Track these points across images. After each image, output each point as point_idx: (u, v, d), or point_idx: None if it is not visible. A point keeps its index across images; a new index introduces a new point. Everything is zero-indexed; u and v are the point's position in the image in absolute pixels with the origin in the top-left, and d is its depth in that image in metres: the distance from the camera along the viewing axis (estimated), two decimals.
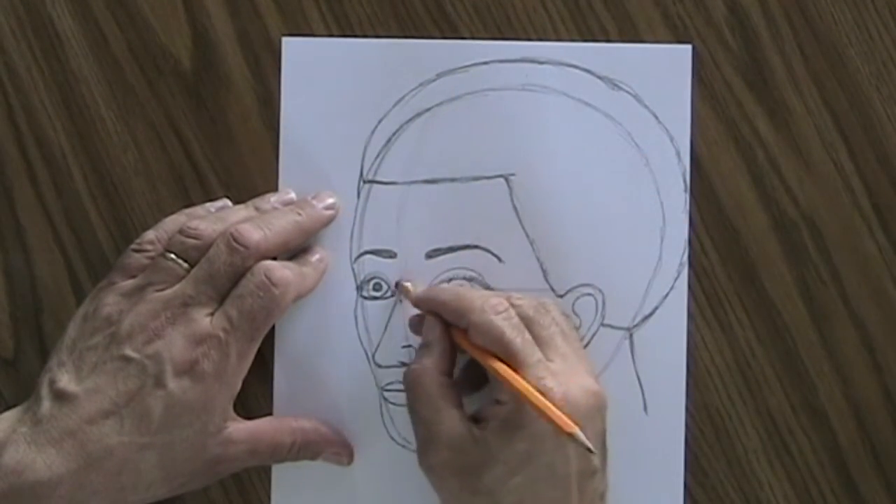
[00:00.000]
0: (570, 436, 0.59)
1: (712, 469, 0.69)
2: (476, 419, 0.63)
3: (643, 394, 0.69)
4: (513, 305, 0.64)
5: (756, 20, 0.70)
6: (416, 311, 0.67)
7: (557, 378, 0.61)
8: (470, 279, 0.68)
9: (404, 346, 0.69)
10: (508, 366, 0.62)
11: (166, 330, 0.63)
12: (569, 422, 0.59)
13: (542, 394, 0.60)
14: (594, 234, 0.69)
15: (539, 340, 0.63)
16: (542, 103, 0.69)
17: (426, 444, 0.63)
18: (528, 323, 0.64)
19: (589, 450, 0.59)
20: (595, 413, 0.63)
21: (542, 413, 0.60)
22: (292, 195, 0.69)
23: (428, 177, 0.69)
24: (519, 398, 0.61)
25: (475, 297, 0.64)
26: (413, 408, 0.64)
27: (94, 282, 0.67)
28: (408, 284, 0.68)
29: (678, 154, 0.69)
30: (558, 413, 0.59)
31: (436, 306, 0.66)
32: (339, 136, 0.69)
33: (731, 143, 0.70)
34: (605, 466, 0.64)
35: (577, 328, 0.68)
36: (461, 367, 0.67)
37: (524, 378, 0.61)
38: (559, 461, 0.61)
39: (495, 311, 0.63)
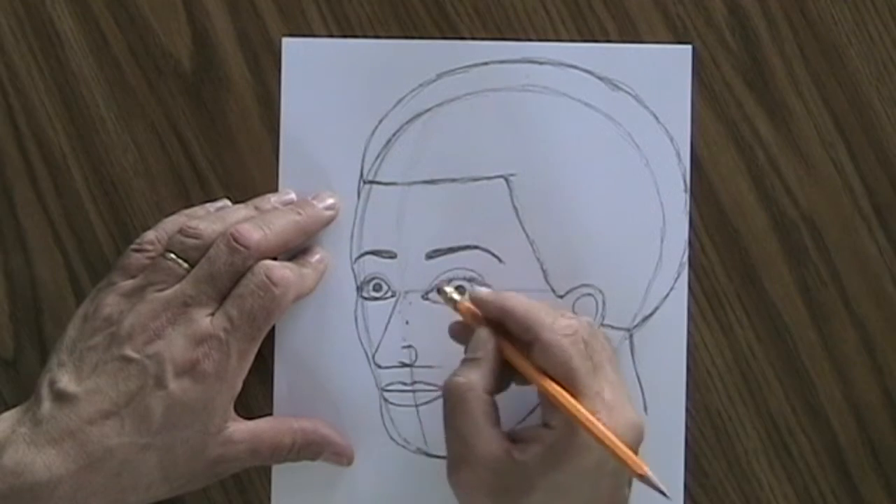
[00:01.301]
0: (643, 477, 0.58)
1: (712, 469, 0.69)
2: (514, 439, 0.61)
3: (643, 394, 0.69)
4: (578, 327, 0.62)
5: (756, 20, 0.70)
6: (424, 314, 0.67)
7: (609, 412, 0.60)
8: (470, 279, 0.68)
9: (404, 347, 0.69)
10: (567, 391, 0.60)
11: (167, 330, 0.63)
12: (641, 464, 0.58)
13: None
14: (594, 234, 0.69)
15: (593, 365, 0.61)
16: (542, 104, 0.69)
17: (460, 460, 0.61)
18: (585, 346, 0.62)
19: (663, 493, 0.58)
20: (635, 447, 0.61)
21: (613, 454, 0.58)
22: (292, 195, 0.69)
23: (428, 177, 0.69)
24: (571, 426, 0.59)
25: (546, 313, 0.62)
26: (451, 423, 0.61)
27: (94, 282, 0.67)
28: (448, 289, 0.65)
29: (678, 154, 0.69)
30: (632, 455, 0.59)
31: (503, 313, 0.63)
32: (339, 136, 0.69)
33: (731, 143, 0.70)
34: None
35: (616, 353, 0.66)
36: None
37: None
38: (594, 493, 0.61)
39: (565, 333, 0.61)
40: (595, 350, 0.62)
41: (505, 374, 0.63)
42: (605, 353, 0.63)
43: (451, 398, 0.61)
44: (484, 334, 0.63)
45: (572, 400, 0.60)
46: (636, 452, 0.60)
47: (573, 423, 0.59)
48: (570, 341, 0.61)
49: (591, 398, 0.60)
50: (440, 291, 0.66)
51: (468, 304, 0.64)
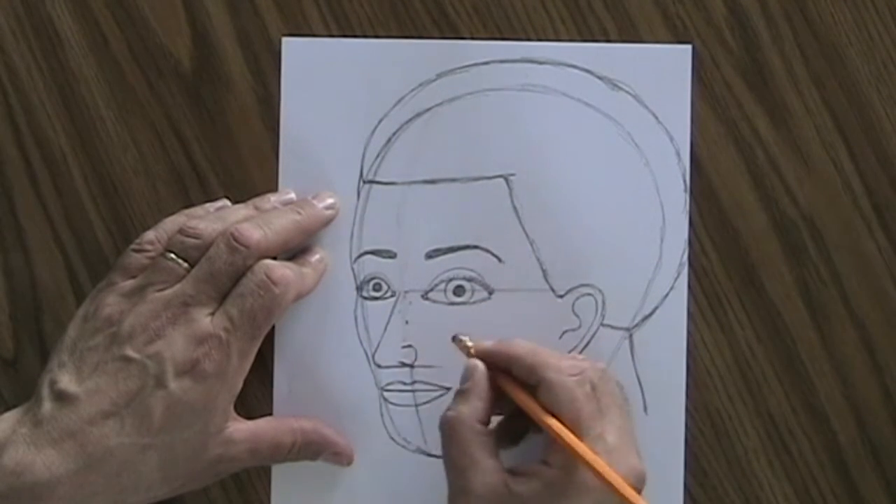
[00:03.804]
0: None
1: (712, 469, 0.69)
2: (514, 472, 0.61)
3: (643, 394, 0.69)
4: (584, 369, 0.63)
5: (756, 20, 0.70)
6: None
7: (611, 455, 0.60)
8: (470, 279, 0.68)
9: (404, 346, 0.69)
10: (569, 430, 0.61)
11: (167, 330, 0.63)
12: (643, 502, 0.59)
13: None
14: (594, 234, 0.69)
15: (600, 408, 0.62)
16: (542, 103, 0.69)
17: (458, 492, 0.61)
18: (592, 388, 0.62)
19: None
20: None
21: (616, 491, 0.59)
22: (292, 195, 0.69)
23: (428, 177, 0.69)
24: (571, 466, 0.60)
25: (551, 355, 0.63)
26: (447, 455, 0.62)
27: (94, 282, 0.67)
28: (465, 338, 0.65)
29: (678, 154, 0.69)
30: (634, 494, 0.59)
31: (507, 359, 0.63)
32: (339, 136, 0.69)
33: (731, 143, 0.70)
34: None
35: (628, 401, 0.67)
36: (502, 418, 0.65)
37: None
38: None
39: (570, 373, 0.62)
40: (604, 393, 0.63)
41: (501, 405, 0.64)
42: (614, 398, 0.63)
43: (445, 431, 0.62)
44: (473, 365, 0.64)
45: (574, 438, 0.60)
46: None
47: (572, 463, 0.60)
48: (575, 381, 0.62)
49: (593, 439, 0.61)
50: (455, 339, 0.66)
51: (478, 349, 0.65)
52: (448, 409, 0.63)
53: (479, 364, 0.64)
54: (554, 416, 0.61)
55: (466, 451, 0.61)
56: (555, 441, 0.61)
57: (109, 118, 0.70)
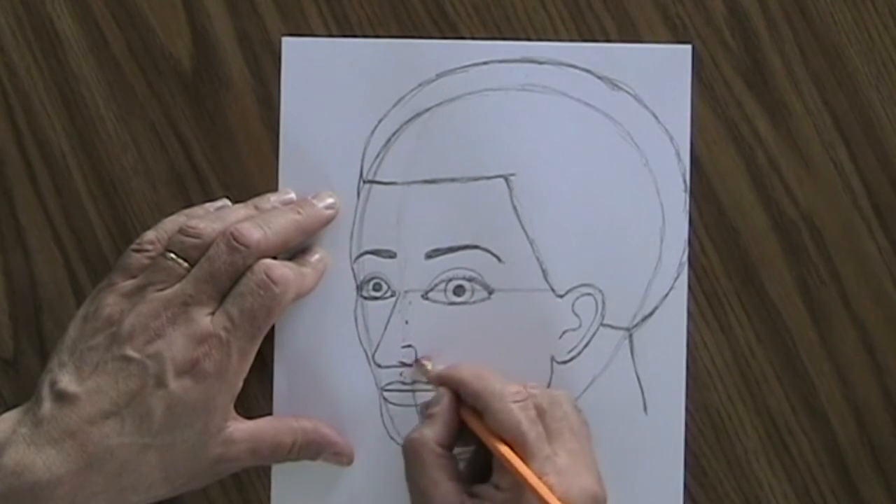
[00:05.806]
0: None
1: (712, 469, 0.69)
2: (471, 494, 0.62)
3: (643, 394, 0.69)
4: (528, 395, 0.64)
5: (756, 20, 0.70)
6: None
7: (561, 476, 0.61)
8: (470, 279, 0.68)
9: (404, 346, 0.69)
10: (517, 455, 0.62)
11: (167, 329, 0.63)
12: None
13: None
14: (594, 234, 0.69)
15: (549, 432, 0.63)
16: (542, 103, 0.69)
17: None
18: (540, 413, 0.64)
19: None
20: None
21: None
22: (292, 195, 0.69)
23: (428, 177, 0.69)
24: (519, 488, 0.61)
25: (495, 382, 0.64)
26: (409, 476, 0.64)
27: (94, 282, 0.67)
28: (426, 363, 0.68)
29: (678, 154, 0.69)
30: None
31: (455, 384, 0.65)
32: (339, 136, 0.69)
33: (731, 143, 0.70)
34: None
35: (587, 424, 0.66)
36: (468, 456, 0.66)
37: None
38: None
39: (514, 399, 0.63)
40: (554, 418, 0.64)
41: (465, 433, 0.65)
42: (567, 421, 0.64)
43: (407, 453, 0.64)
44: (441, 392, 0.65)
45: (517, 459, 0.61)
46: None
47: (521, 487, 0.61)
48: (518, 407, 0.63)
49: (541, 461, 0.61)
50: (417, 363, 0.68)
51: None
52: (412, 431, 0.64)
53: (448, 391, 0.65)
54: (502, 439, 0.62)
55: (427, 472, 0.62)
56: (503, 464, 0.62)
57: (109, 118, 0.70)
